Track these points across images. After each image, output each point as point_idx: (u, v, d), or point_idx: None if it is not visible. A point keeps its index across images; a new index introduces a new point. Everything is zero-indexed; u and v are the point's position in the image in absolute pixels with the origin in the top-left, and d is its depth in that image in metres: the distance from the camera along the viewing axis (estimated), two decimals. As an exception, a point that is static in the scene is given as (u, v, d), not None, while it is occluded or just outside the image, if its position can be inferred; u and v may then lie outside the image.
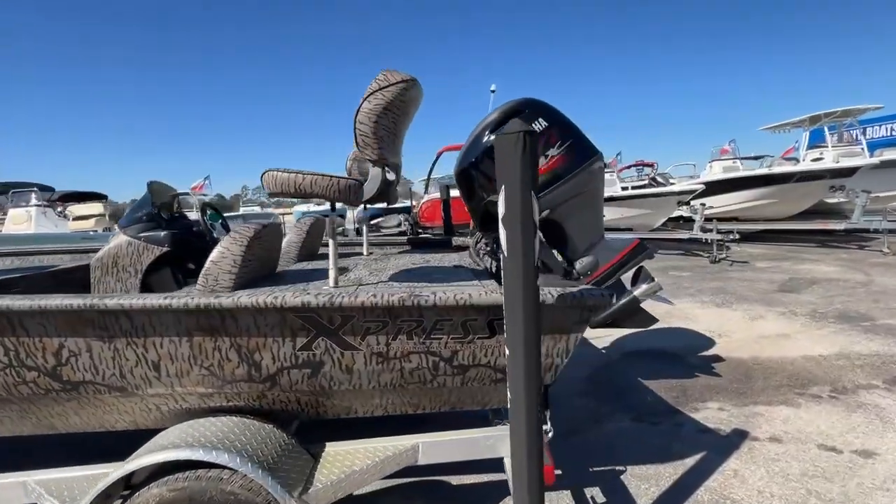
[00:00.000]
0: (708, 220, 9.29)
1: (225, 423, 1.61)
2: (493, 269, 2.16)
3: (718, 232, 8.57)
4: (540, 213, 1.90)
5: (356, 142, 1.76)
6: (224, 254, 1.68)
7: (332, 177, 1.72)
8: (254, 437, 1.57)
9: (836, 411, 2.87)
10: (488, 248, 2.41)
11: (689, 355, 3.91)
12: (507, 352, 1.37)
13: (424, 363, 1.67)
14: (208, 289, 1.64)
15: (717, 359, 3.80)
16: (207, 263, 1.68)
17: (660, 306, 3.32)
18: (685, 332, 4.55)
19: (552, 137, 2.01)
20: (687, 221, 10.76)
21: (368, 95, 1.73)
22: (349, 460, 1.67)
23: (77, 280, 2.57)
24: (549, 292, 1.63)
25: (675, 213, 10.61)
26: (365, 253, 3.02)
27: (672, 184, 11.20)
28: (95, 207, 11.95)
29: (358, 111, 1.71)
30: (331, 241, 1.74)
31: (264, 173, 1.77)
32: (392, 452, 1.71)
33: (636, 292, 1.85)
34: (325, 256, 2.21)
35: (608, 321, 1.87)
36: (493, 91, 3.54)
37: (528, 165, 1.25)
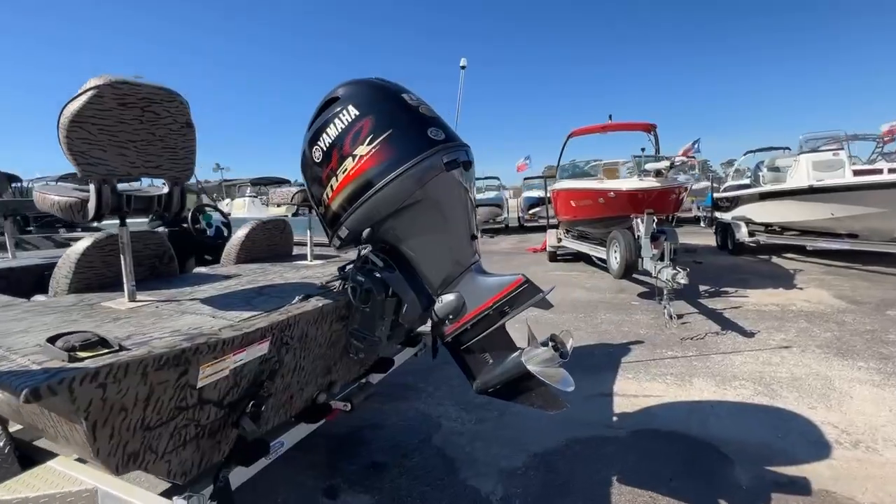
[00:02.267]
0: None
1: None
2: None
3: None
4: (351, 235, 1.65)
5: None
6: (64, 260, 1.94)
7: (59, 196, 1.72)
8: None
9: None
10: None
11: (739, 457, 2.14)
12: None
13: None
14: (52, 292, 1.90)
15: (800, 486, 1.96)
16: (55, 269, 1.94)
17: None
18: (775, 412, 2.58)
19: (363, 131, 1.56)
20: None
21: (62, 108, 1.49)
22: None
23: None
24: None
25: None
26: (309, 260, 2.76)
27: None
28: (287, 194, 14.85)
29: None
30: (122, 256, 1.69)
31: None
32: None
33: (525, 359, 1.52)
34: (278, 259, 2.72)
35: (488, 389, 1.64)
36: (463, 67, 2.73)
37: None
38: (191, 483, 1.36)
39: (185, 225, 3.25)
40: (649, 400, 2.86)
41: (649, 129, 7.60)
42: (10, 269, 2.58)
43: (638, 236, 4.94)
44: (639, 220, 4.97)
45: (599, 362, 3.50)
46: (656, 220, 5.09)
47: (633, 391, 2.98)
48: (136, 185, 1.94)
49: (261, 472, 2.12)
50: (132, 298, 1.75)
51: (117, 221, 1.71)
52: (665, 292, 4.14)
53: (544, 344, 1.59)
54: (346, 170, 1.61)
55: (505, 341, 1.74)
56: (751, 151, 11.42)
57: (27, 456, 1.49)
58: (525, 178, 19.18)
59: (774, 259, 7.59)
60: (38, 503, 1.29)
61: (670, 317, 4.07)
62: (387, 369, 2.34)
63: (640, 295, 5.53)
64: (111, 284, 1.97)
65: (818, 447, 2.29)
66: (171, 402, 1.19)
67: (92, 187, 1.55)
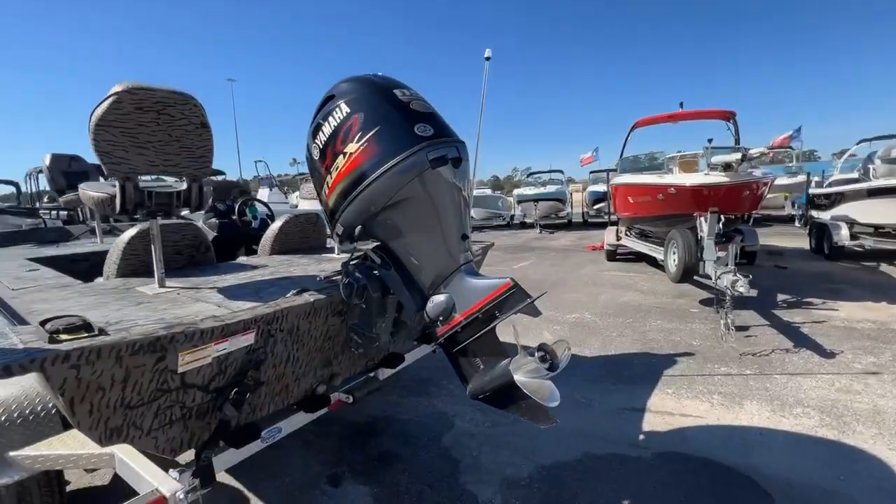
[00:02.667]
0: None
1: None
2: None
3: None
4: (346, 231, 1.66)
5: None
6: (114, 248, 2.19)
7: (95, 192, 1.90)
8: None
9: None
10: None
11: (783, 498, 1.85)
12: None
13: None
14: (105, 276, 2.18)
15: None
16: (107, 256, 2.23)
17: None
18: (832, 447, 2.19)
19: (353, 128, 1.57)
20: None
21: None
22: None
23: None
24: None
25: None
26: (336, 253, 2.87)
27: None
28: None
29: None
30: (153, 246, 1.89)
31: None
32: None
33: (512, 368, 1.41)
34: (310, 252, 2.93)
35: (479, 395, 1.54)
36: (487, 59, 2.66)
37: None
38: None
39: (233, 217, 3.55)
40: (686, 420, 2.59)
41: (728, 116, 6.80)
42: (94, 252, 2.98)
43: (701, 237, 4.46)
44: (702, 219, 4.48)
45: (638, 373, 3.23)
46: (725, 220, 4.56)
47: (670, 408, 2.71)
48: (165, 180, 2.11)
49: (273, 452, 2.26)
50: (161, 284, 1.91)
51: (188, 212, 1.90)
52: (726, 300, 3.70)
53: (532, 354, 1.49)
54: (338, 167, 1.62)
55: (496, 346, 1.65)
56: (865, 140, 9.78)
57: (65, 419, 1.70)
58: (591, 172, 18.25)
59: (884, 267, 6.47)
60: (70, 460, 1.47)
61: (727, 328, 3.63)
62: (396, 365, 2.35)
63: (702, 302, 5.02)
64: (147, 270, 2.18)
65: (893, 500, 1.92)
66: (151, 385, 1.28)
67: (117, 184, 1.71)
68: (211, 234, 2.98)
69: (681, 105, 6.97)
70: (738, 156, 4.31)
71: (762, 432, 2.44)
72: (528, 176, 20.33)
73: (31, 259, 2.77)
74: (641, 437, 2.45)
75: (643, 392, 2.93)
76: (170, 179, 2.01)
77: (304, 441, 2.53)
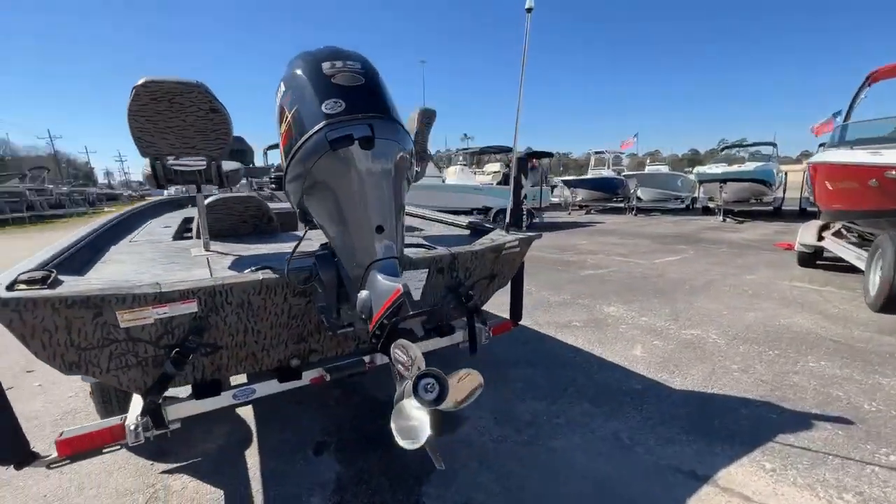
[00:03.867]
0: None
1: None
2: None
3: None
4: (300, 214, 1.65)
5: None
6: (197, 213, 2.53)
7: (144, 169, 2.14)
8: None
9: None
10: None
11: None
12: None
13: None
14: (192, 236, 2.70)
15: None
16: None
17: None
18: None
19: (283, 109, 1.58)
20: None
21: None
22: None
23: None
24: None
25: None
26: None
27: None
28: (495, 166, 15.57)
29: None
30: (199, 215, 2.30)
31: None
32: None
33: (400, 392, 1.32)
34: None
35: None
36: (529, 10, 2.30)
37: None
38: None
39: None
40: (769, 516, 1.77)
41: None
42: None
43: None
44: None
45: (734, 427, 2.35)
46: None
47: (751, 491, 1.89)
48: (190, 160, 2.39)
49: (296, 407, 2.59)
50: (206, 248, 2.27)
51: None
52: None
53: (420, 379, 1.23)
54: (278, 151, 1.63)
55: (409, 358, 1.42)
56: None
57: None
58: (820, 145, 13.78)
59: None
60: None
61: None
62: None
63: (927, 347, 3.30)
64: (222, 234, 2.60)
65: None
66: (95, 334, 1.50)
67: (148, 162, 2.04)
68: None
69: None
70: None
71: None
72: (721, 150, 16.52)
73: (168, 216, 3.64)
74: (678, 518, 1.79)
75: (723, 455, 2.12)
76: (193, 159, 2.27)
77: (323, 404, 2.69)
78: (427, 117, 2.80)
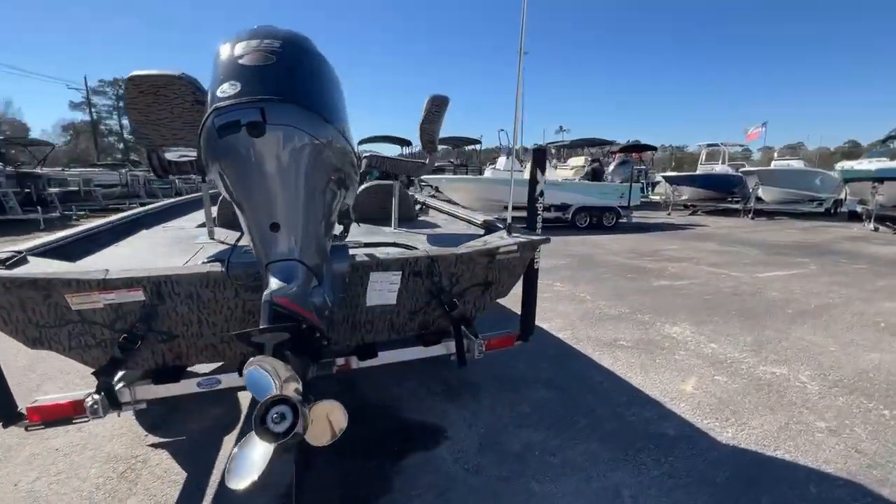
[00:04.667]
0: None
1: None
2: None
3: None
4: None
5: None
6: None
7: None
8: None
9: None
10: None
11: None
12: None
13: None
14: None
15: None
16: None
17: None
18: None
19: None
20: None
21: None
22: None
23: None
24: None
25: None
26: (392, 227, 3.01)
27: None
28: (579, 160, 14.51)
29: None
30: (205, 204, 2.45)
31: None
32: None
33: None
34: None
35: None
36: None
37: None
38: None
39: None
40: None
41: None
42: None
43: None
44: None
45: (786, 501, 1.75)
46: None
47: None
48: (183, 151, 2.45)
49: None
50: (210, 237, 2.38)
51: None
52: None
53: (267, 404, 1.06)
54: None
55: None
56: None
57: None
58: None
59: None
60: None
61: None
62: (365, 358, 2.11)
63: None
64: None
65: None
66: (49, 314, 1.59)
67: (144, 153, 2.15)
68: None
69: None
70: None
71: None
72: (882, 142, 13.16)
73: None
74: None
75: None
76: (185, 150, 2.33)
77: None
78: (436, 105, 2.56)
